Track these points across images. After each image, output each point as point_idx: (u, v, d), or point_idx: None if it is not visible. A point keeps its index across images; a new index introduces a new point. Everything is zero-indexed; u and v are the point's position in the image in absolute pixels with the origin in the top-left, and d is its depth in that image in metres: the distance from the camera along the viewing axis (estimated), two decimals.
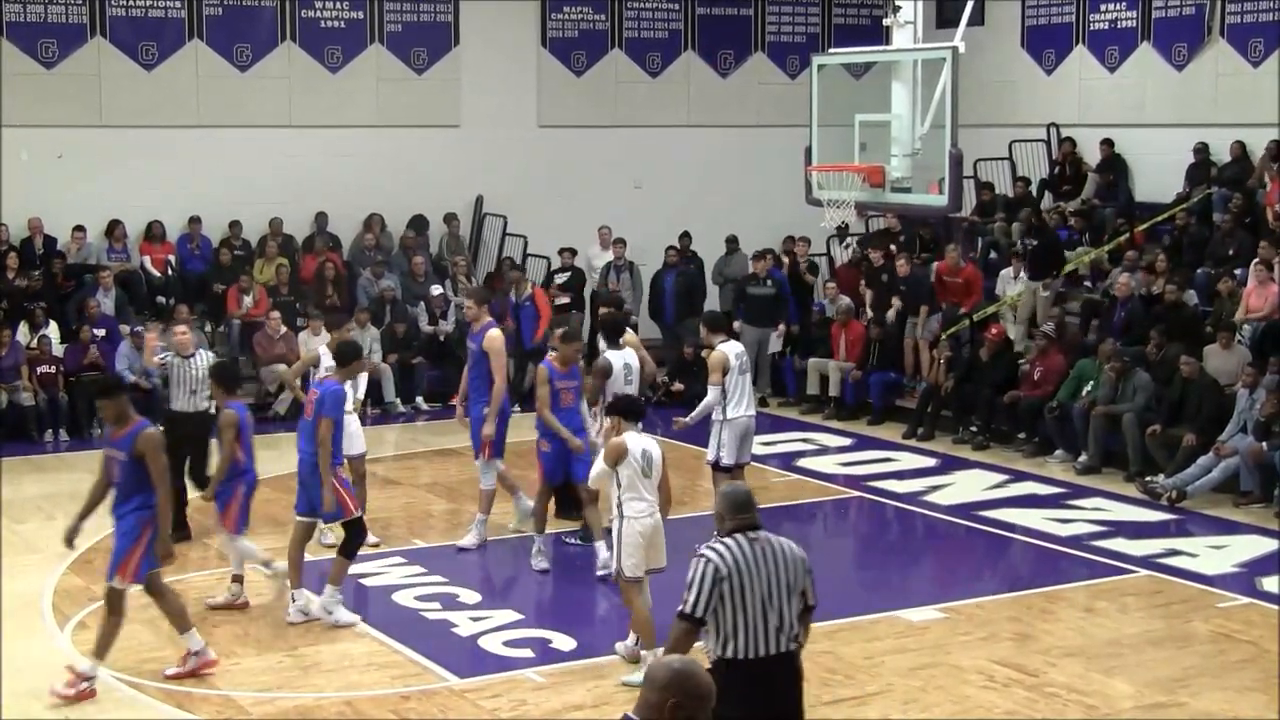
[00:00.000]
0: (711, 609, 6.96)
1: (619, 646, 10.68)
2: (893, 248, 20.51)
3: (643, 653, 10.22)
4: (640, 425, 10.46)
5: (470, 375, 13.61)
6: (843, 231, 21.57)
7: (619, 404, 10.78)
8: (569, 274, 21.79)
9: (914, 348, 19.62)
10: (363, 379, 14.17)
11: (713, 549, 7.06)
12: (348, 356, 12.01)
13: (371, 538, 13.61)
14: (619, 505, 10.22)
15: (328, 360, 13.57)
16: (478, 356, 13.35)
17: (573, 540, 13.66)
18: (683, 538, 13.89)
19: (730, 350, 13.27)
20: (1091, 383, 16.94)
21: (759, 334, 20.39)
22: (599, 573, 12.39)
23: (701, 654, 6.86)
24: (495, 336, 13.34)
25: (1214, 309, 17.79)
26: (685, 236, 22.54)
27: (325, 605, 11.50)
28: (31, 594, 12.09)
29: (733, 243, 22.41)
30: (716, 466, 13.22)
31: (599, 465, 10.36)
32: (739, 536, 7.10)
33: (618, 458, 10.17)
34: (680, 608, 7.04)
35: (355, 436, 13.54)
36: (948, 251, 19.83)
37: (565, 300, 21.64)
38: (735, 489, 7.48)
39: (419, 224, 22.16)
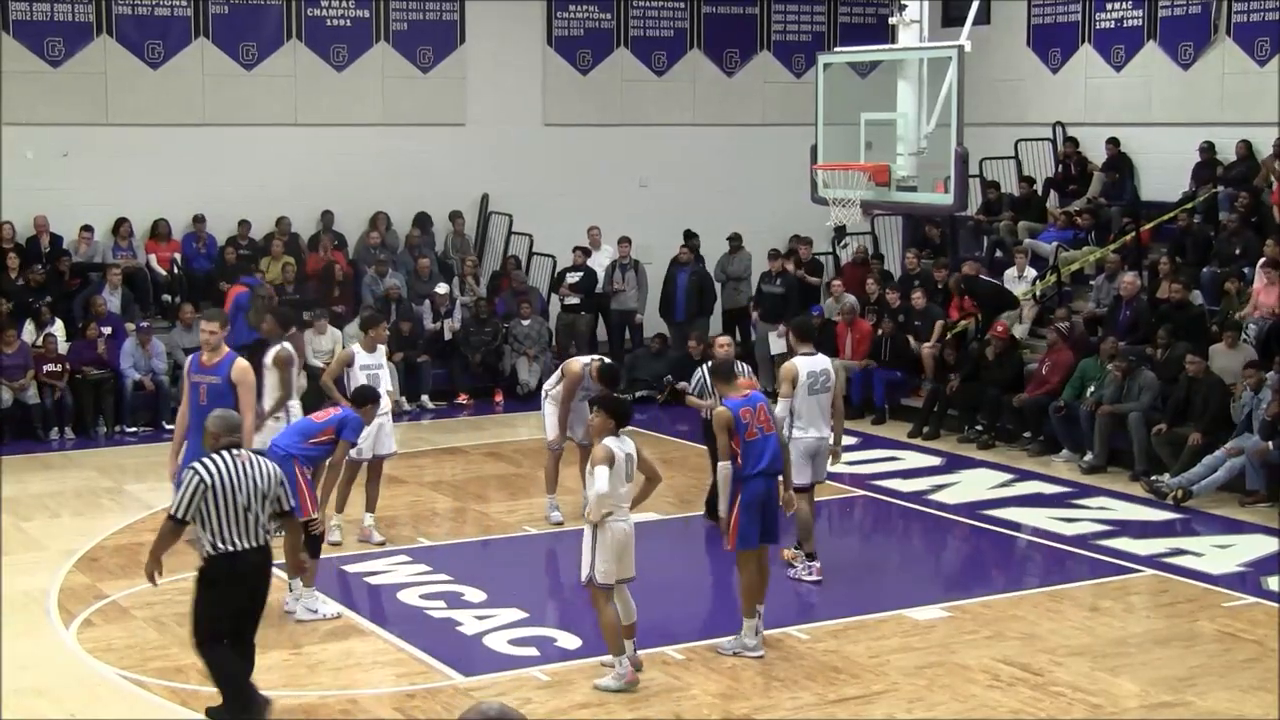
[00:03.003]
0: (197, 511, 8.76)
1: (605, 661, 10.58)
2: (915, 282, 20.41)
3: (614, 659, 10.14)
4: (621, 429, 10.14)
5: (194, 415, 11.60)
6: (840, 232, 21.59)
7: (609, 405, 10.30)
8: (582, 274, 21.79)
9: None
10: (390, 376, 14.20)
11: (201, 463, 8.86)
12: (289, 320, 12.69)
13: (376, 536, 13.65)
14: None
15: (363, 359, 13.63)
16: (221, 390, 11.52)
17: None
18: (687, 537, 13.99)
19: (804, 365, 12.42)
20: (1094, 383, 16.94)
21: (766, 330, 20.71)
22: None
23: None
24: (245, 367, 11.76)
25: (1220, 308, 17.79)
26: (692, 236, 22.53)
27: (307, 606, 11.53)
28: (36, 591, 12.10)
29: (735, 240, 22.40)
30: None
31: (602, 470, 9.88)
32: (224, 453, 8.90)
33: (612, 462, 9.93)
34: (169, 511, 8.90)
35: (387, 437, 13.58)
36: (965, 268, 19.87)
37: (575, 300, 21.65)
38: (228, 415, 9.30)
39: (423, 221, 22.16)
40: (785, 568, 12.42)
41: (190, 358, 12.26)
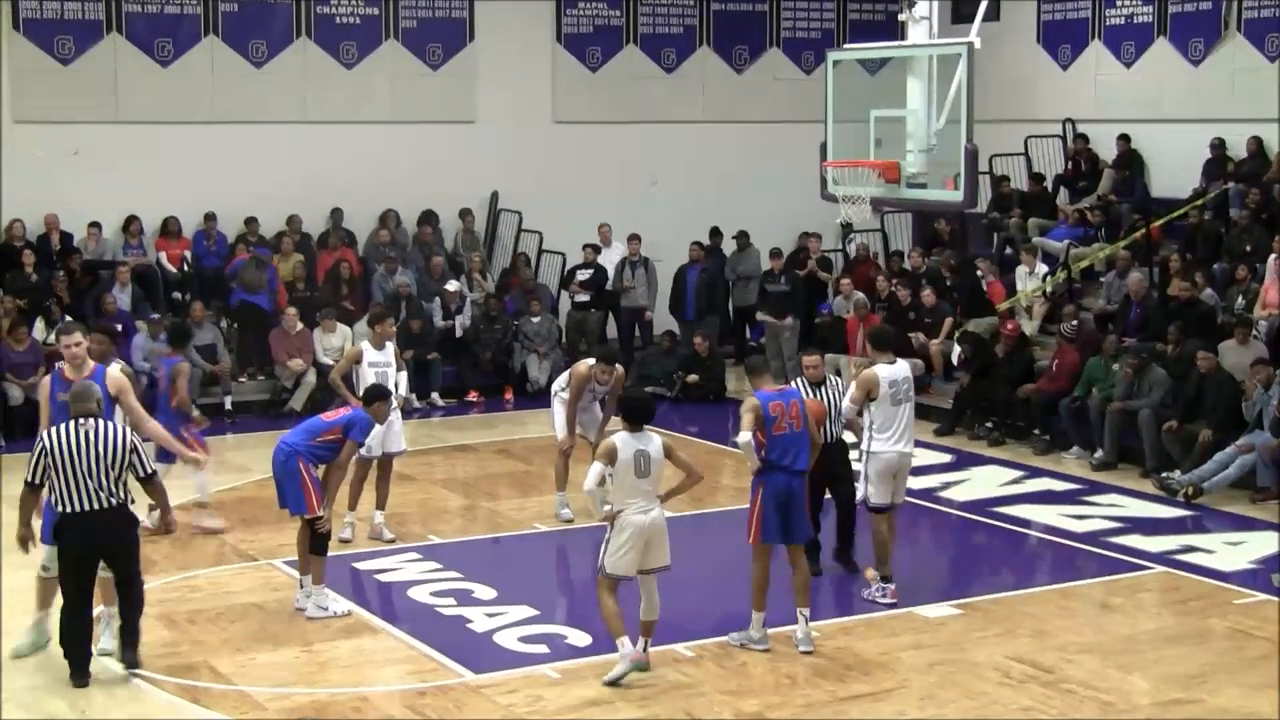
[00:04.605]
0: (48, 477, 9.70)
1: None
2: (923, 280, 20.36)
3: (617, 642, 10.21)
4: (642, 427, 10.24)
5: None
6: (847, 228, 21.58)
7: (621, 405, 10.67)
8: (592, 271, 21.79)
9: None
10: (403, 375, 14.21)
11: (47, 433, 9.80)
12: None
13: (387, 533, 13.66)
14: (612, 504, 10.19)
15: (371, 356, 13.65)
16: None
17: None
18: (699, 535, 13.99)
19: (885, 373, 11.86)
20: (1099, 383, 16.92)
21: (775, 327, 20.69)
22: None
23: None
24: (117, 375, 10.91)
25: (1227, 304, 17.78)
26: (717, 234, 22.61)
27: (318, 604, 11.57)
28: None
29: (743, 238, 22.41)
30: (865, 505, 12.01)
31: (595, 466, 10.22)
32: (70, 423, 9.76)
33: (610, 459, 10.09)
34: (24, 478, 9.80)
35: (397, 434, 13.59)
36: (978, 264, 19.85)
37: (585, 298, 21.64)
38: (81, 385, 10.06)
39: (429, 219, 22.15)
40: (862, 586, 12.20)
41: (49, 376, 11.08)
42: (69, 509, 9.79)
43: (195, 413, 14.09)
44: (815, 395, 12.14)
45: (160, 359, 15.23)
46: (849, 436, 12.60)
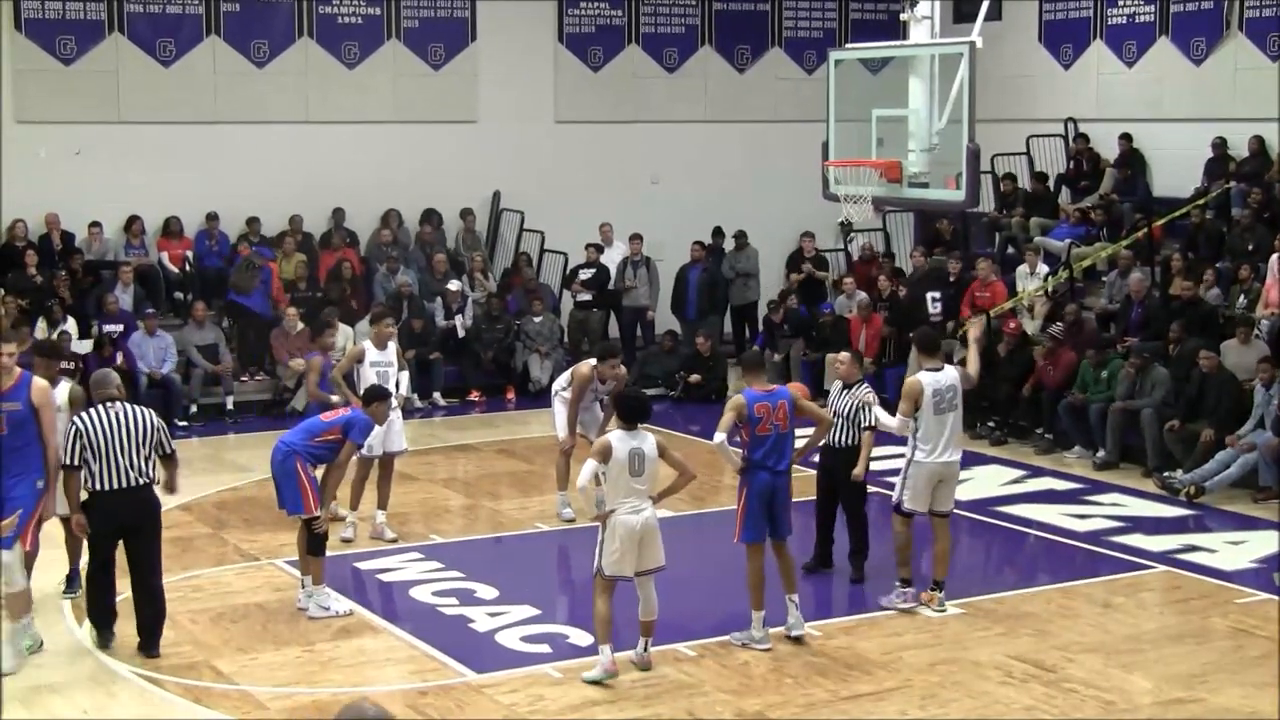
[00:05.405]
0: (83, 457, 10.18)
1: (631, 655, 10.55)
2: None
3: (599, 648, 10.23)
4: (637, 426, 10.28)
5: (5, 442, 10.29)
6: (846, 227, 21.57)
7: (617, 402, 10.73)
8: (594, 270, 21.79)
9: None
10: (404, 375, 14.22)
11: (79, 417, 10.33)
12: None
13: (389, 533, 13.67)
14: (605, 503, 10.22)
15: (373, 355, 13.67)
16: (23, 417, 10.29)
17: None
18: (699, 535, 13.99)
19: (930, 380, 11.47)
20: (1090, 388, 16.92)
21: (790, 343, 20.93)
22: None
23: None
24: (44, 387, 10.50)
25: (1229, 303, 17.78)
26: (720, 234, 22.65)
27: (319, 604, 11.58)
28: (50, 589, 12.09)
29: (741, 237, 22.42)
30: (897, 509, 11.80)
31: (589, 463, 10.20)
32: (100, 406, 10.35)
33: (604, 456, 10.10)
34: (62, 462, 10.23)
35: (398, 434, 13.58)
36: (980, 264, 19.83)
37: (587, 297, 21.64)
38: (102, 373, 10.70)
39: (431, 218, 22.15)
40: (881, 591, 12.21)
41: None
42: (103, 487, 10.29)
43: (335, 397, 13.94)
44: (846, 394, 12.28)
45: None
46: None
